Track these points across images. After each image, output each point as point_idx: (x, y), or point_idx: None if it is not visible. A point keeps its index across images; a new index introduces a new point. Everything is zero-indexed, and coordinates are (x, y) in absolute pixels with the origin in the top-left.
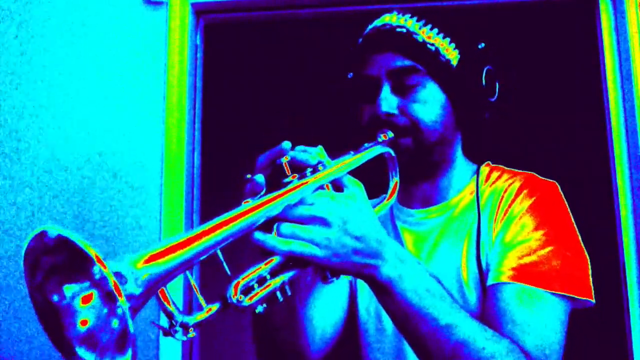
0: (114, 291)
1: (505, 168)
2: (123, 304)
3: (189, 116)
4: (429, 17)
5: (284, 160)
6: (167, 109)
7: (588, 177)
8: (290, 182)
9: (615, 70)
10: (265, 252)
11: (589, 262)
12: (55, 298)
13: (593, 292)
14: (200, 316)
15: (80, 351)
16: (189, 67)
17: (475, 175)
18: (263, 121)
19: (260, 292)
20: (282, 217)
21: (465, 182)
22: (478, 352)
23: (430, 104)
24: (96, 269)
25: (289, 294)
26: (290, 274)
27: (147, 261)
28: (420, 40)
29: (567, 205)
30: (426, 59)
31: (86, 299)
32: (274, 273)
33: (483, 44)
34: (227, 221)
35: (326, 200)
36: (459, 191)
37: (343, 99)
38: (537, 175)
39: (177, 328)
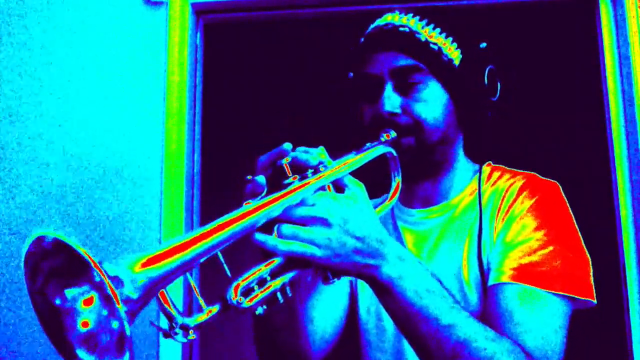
0: (111, 295)
1: (507, 168)
2: (120, 308)
3: (189, 116)
4: (431, 17)
5: (285, 161)
6: (167, 109)
7: (588, 177)
8: (291, 183)
9: (615, 70)
10: (266, 253)
11: (590, 262)
12: (58, 301)
13: (594, 292)
14: (200, 318)
15: (81, 353)
16: (189, 67)
17: (477, 175)
18: (263, 121)
19: (260, 294)
20: (283, 218)
21: (467, 182)
22: (479, 352)
23: (432, 103)
24: (95, 272)
25: (290, 295)
26: (290, 275)
27: (144, 265)
28: (423, 39)
29: (568, 205)
30: (429, 58)
31: (87, 302)
32: (274, 274)
33: (485, 44)
34: (228, 223)
35: (327, 200)
36: (460, 191)
37: (344, 99)
38: (538, 175)
39: (177, 330)
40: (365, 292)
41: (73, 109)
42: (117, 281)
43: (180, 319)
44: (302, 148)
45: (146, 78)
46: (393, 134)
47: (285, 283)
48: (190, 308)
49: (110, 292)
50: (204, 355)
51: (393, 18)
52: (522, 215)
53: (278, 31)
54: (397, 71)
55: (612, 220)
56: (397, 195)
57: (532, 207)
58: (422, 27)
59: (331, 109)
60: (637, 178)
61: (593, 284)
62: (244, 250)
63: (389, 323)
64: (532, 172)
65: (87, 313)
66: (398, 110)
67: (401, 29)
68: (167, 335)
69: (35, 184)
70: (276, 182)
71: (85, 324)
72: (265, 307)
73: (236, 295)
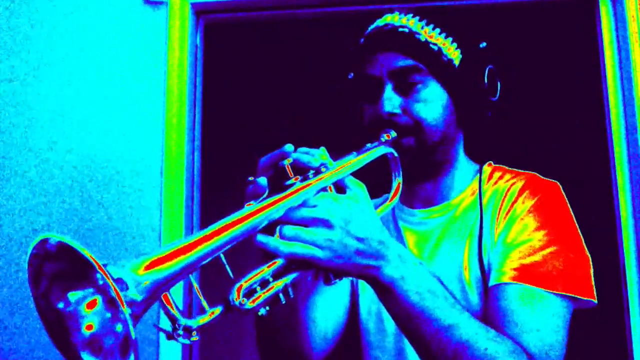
0: (116, 298)
1: (507, 168)
2: (124, 311)
3: (189, 116)
4: (431, 17)
5: (287, 162)
6: (167, 109)
7: (588, 177)
8: (293, 184)
9: (615, 70)
10: (268, 255)
11: (590, 262)
12: (61, 305)
13: (595, 292)
14: (203, 319)
15: (85, 355)
16: (189, 67)
17: (478, 175)
18: (263, 121)
19: (262, 295)
20: (284, 220)
21: (468, 182)
22: (480, 352)
23: (432, 103)
24: (99, 275)
25: (292, 296)
26: (292, 276)
27: (148, 267)
28: (423, 39)
29: (569, 205)
30: (428, 59)
31: (91, 305)
32: (276, 275)
33: (485, 44)
34: (230, 225)
35: (328, 202)
36: (461, 191)
37: (344, 99)
38: (539, 175)
39: (180, 332)
40: (366, 293)
41: (73, 109)
42: (122, 283)
43: (183, 321)
44: (304, 149)
45: (146, 78)
46: (393, 134)
47: (287, 284)
48: (191, 309)
49: (115, 295)
50: (203, 357)
51: (392, 19)
52: (523, 216)
53: (278, 31)
54: (397, 72)
55: (612, 220)
56: (398, 195)
57: (533, 207)
58: (422, 28)
59: (331, 109)
60: (637, 178)
61: (593, 284)
62: (246, 252)
63: (389, 323)
64: (533, 172)
65: (91, 316)
66: (398, 111)
67: (401, 29)
68: (170, 337)
69: (35, 184)
70: (277, 184)
71: (89, 327)
72: (267, 308)
73: (239, 297)
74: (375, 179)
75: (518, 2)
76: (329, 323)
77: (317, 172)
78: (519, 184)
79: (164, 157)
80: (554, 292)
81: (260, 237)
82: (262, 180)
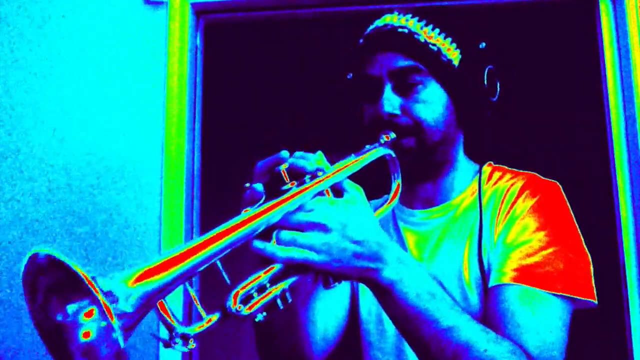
0: (105, 311)
1: (507, 168)
2: (114, 323)
3: (189, 116)
4: (430, 17)
5: (282, 167)
6: (167, 109)
7: (588, 177)
8: (289, 189)
9: (615, 70)
10: (265, 260)
11: (590, 263)
12: (60, 317)
13: (595, 292)
14: (200, 327)
15: None
16: (189, 67)
17: (477, 176)
18: (263, 121)
19: (260, 301)
20: (281, 225)
21: (467, 182)
22: (480, 354)
23: (432, 103)
24: (90, 287)
25: (290, 301)
26: (290, 280)
27: (139, 279)
28: (422, 40)
29: (569, 205)
30: (428, 59)
31: (88, 314)
32: (274, 281)
33: (484, 44)
34: (227, 231)
35: (325, 205)
36: (461, 191)
37: (343, 99)
38: (538, 175)
39: (177, 339)
40: (366, 294)
41: (73, 109)
42: (111, 296)
43: (180, 329)
44: (299, 153)
45: (146, 78)
46: (392, 135)
47: (285, 289)
48: (190, 316)
49: (104, 308)
50: None
51: (392, 19)
52: (523, 216)
53: (278, 31)
54: (397, 72)
55: (612, 220)
56: (398, 197)
57: (533, 208)
58: (421, 28)
59: (331, 109)
60: (637, 178)
61: (594, 284)
62: (243, 258)
63: (389, 325)
64: (533, 172)
65: (88, 324)
66: (398, 112)
67: (400, 29)
68: (167, 345)
69: (35, 184)
70: (274, 189)
71: (86, 335)
72: (265, 314)
73: (235, 303)
74: (375, 180)
75: (518, 2)
76: (329, 324)
77: (314, 176)
78: (519, 184)
79: (164, 157)
80: (554, 292)
81: (257, 243)
82: (259, 186)
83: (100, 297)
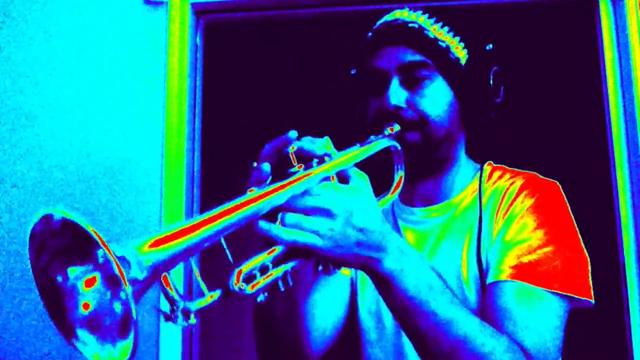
0: (118, 275)
1: (507, 168)
2: (126, 289)
3: (189, 116)
4: (440, 15)
5: (291, 150)
6: (167, 108)
7: (588, 177)
8: (296, 172)
9: (615, 70)
10: (269, 241)
11: (589, 262)
12: (60, 279)
13: (592, 292)
14: (202, 302)
15: (82, 333)
16: (189, 67)
17: (478, 175)
18: (263, 121)
19: (262, 281)
20: (286, 207)
21: (468, 181)
22: (477, 348)
23: (438, 99)
24: (100, 252)
25: (291, 284)
26: (292, 264)
27: (151, 246)
28: (432, 36)
29: (568, 205)
30: (436, 55)
31: (89, 282)
32: (276, 262)
33: (491, 45)
34: (232, 209)
35: (331, 191)
36: (461, 190)
37: (344, 98)
38: (538, 175)
39: (179, 314)
40: (365, 291)
41: (73, 109)
42: (124, 261)
43: (182, 303)
44: (308, 138)
45: (146, 78)
46: (397, 127)
47: (287, 271)
48: (191, 294)
49: (117, 272)
50: (203, 347)
51: (402, 14)
52: (522, 215)
53: (278, 31)
54: (406, 66)
55: (612, 220)
56: (400, 189)
57: (532, 207)
58: (431, 25)
59: (331, 109)
60: (637, 178)
61: (592, 283)
62: (246, 237)
63: (388, 321)
64: (533, 172)
65: (88, 295)
66: (404, 105)
67: (410, 24)
68: (168, 318)
69: (35, 184)
70: (281, 171)
71: (86, 306)
72: (266, 294)
73: (238, 282)
74: (377, 181)
75: (518, 2)
76: (327, 320)
77: (321, 161)
78: (518, 183)
79: (164, 157)
80: (551, 290)
81: (262, 224)
82: (266, 167)
83: (115, 260)
